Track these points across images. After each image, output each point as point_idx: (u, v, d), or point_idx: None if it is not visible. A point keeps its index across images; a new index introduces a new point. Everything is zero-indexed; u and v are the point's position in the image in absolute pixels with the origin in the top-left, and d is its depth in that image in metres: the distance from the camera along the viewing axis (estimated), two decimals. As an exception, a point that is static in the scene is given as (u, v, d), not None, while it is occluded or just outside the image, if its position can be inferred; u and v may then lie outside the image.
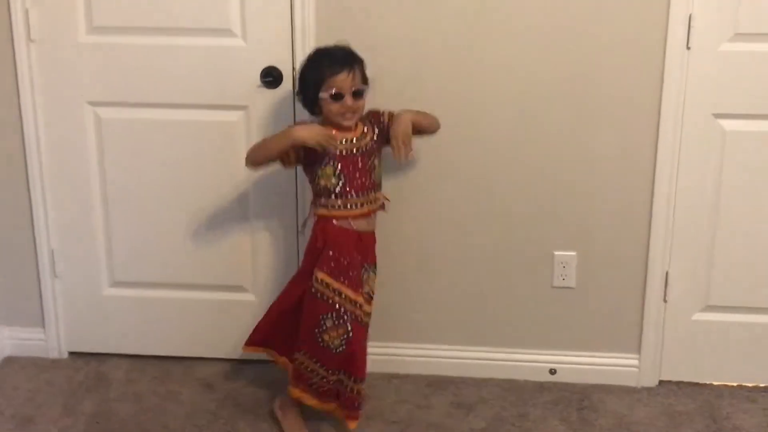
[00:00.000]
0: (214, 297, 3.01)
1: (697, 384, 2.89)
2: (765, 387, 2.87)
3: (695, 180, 2.73)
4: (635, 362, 2.89)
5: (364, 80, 2.48)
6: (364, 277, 2.54)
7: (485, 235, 2.83)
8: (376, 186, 2.54)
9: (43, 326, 3.06)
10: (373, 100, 2.54)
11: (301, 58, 2.69)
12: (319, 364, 2.51)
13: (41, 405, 2.78)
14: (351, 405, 2.56)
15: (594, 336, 2.89)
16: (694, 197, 2.75)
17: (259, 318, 2.68)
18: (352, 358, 2.51)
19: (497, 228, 2.83)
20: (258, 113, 2.80)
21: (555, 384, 2.90)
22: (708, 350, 2.88)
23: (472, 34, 2.66)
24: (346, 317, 2.47)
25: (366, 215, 2.52)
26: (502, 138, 2.75)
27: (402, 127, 2.47)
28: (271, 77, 2.74)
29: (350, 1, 2.68)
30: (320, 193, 2.50)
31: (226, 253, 2.96)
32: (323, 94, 2.41)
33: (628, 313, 2.86)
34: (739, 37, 2.60)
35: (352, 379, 2.53)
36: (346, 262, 2.49)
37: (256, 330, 2.67)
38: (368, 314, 2.57)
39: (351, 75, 2.40)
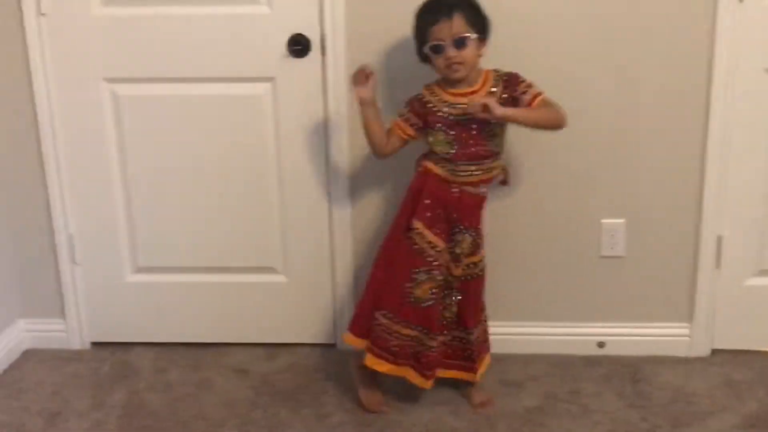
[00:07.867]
0: (244, 280, 2.87)
1: (750, 351, 2.78)
2: (822, 352, 2.76)
3: (748, 138, 2.60)
4: (686, 331, 2.77)
5: (477, 26, 2.22)
6: (458, 238, 2.38)
7: (530, 205, 2.70)
8: (494, 155, 2.35)
9: (64, 316, 2.91)
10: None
11: (330, 24, 2.56)
12: (402, 324, 2.36)
13: (68, 399, 2.64)
14: (428, 364, 2.41)
15: (643, 306, 2.77)
16: (747, 156, 2.62)
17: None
18: (432, 312, 2.37)
19: (542, 197, 2.69)
20: (286, 85, 2.65)
21: (604, 357, 2.78)
22: (762, 317, 2.76)
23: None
24: (437, 271, 2.35)
25: (475, 184, 2.35)
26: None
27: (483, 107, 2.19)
28: (299, 45, 2.58)
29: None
30: (433, 153, 2.34)
31: (255, 233, 2.82)
32: (426, 49, 2.24)
33: (679, 281, 2.74)
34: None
35: (430, 335, 2.38)
36: (440, 214, 2.34)
37: (359, 316, 2.47)
38: (454, 276, 2.41)
39: (449, 22, 2.17)
